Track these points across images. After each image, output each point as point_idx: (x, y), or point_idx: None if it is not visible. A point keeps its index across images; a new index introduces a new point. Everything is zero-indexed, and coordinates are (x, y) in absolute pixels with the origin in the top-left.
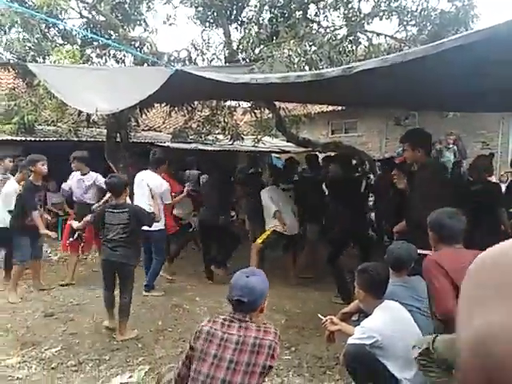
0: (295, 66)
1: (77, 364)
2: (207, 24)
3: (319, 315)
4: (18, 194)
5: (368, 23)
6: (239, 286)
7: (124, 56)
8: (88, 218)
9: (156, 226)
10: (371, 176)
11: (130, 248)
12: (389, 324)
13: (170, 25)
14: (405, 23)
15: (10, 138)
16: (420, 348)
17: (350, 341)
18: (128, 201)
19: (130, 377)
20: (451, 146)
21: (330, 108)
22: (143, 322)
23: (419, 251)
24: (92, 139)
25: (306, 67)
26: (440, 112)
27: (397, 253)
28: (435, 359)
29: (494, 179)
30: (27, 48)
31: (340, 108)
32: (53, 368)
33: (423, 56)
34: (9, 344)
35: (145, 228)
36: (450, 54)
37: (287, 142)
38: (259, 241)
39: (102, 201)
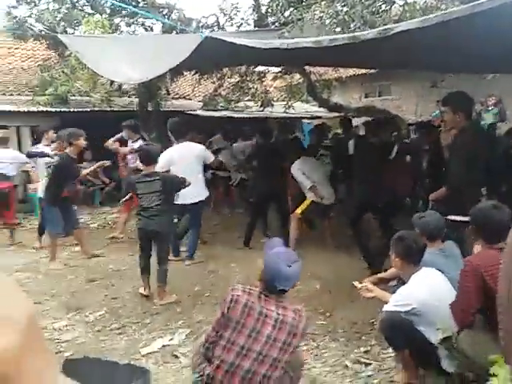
0: (326, 28)
1: (120, 327)
2: None
3: (354, 282)
4: (53, 165)
5: None
6: (282, 276)
7: (152, 24)
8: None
9: (198, 198)
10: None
11: (164, 216)
12: (426, 291)
13: None
14: None
15: (45, 109)
16: (443, 333)
17: (386, 308)
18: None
19: (171, 339)
20: (491, 108)
21: (363, 71)
22: (181, 287)
23: (454, 217)
24: (124, 109)
25: (338, 29)
26: (478, 73)
27: (430, 223)
28: (455, 350)
29: None
30: (58, 18)
31: (373, 71)
32: (97, 331)
33: (463, 16)
34: (55, 308)
35: (187, 201)
36: (489, 14)
37: (319, 107)
38: (299, 211)
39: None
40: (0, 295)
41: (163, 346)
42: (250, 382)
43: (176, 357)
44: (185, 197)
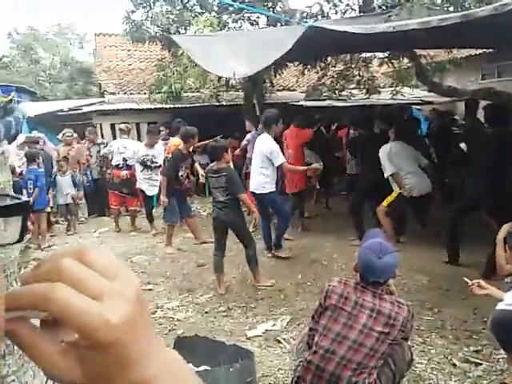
0: (437, 8)
1: (226, 310)
2: None
3: (465, 279)
4: (167, 159)
5: None
6: (373, 268)
7: (258, 18)
8: None
9: (264, 189)
10: None
11: (233, 209)
12: None
13: None
14: None
15: (160, 106)
16: None
17: (499, 306)
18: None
19: (274, 325)
20: None
21: (480, 51)
22: (284, 275)
23: None
24: (231, 103)
25: (451, 8)
26: None
27: None
28: None
29: None
30: (170, 20)
31: (491, 50)
32: (206, 312)
33: None
34: (169, 289)
35: (255, 191)
36: None
37: (429, 92)
38: (385, 203)
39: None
40: (112, 274)
41: (266, 330)
42: (345, 368)
43: (278, 342)
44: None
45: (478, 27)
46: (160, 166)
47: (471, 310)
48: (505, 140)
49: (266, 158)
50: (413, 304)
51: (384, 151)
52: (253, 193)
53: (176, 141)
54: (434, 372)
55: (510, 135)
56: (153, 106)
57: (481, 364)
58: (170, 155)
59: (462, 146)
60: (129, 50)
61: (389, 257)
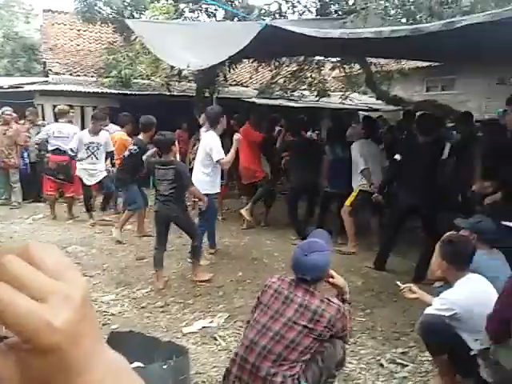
0: (391, 18)
1: (164, 305)
2: None
3: (397, 282)
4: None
5: None
6: (300, 265)
7: (215, 10)
8: None
9: (203, 190)
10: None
11: (177, 203)
12: (470, 297)
13: None
14: None
15: (108, 91)
16: (482, 344)
17: (428, 310)
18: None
19: (211, 322)
20: None
21: (426, 64)
22: (224, 272)
23: (508, 223)
24: (182, 93)
25: (403, 20)
26: None
27: (488, 227)
28: (490, 361)
29: None
30: (125, 3)
31: (437, 63)
32: (142, 307)
33: None
34: (105, 282)
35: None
36: None
37: (377, 99)
38: (347, 203)
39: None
40: (59, 274)
41: (203, 327)
42: (265, 359)
43: (215, 339)
44: None
45: (426, 41)
46: (110, 154)
47: (401, 312)
48: (435, 149)
49: (207, 156)
50: None
51: (357, 147)
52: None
53: (122, 134)
54: (363, 372)
55: (440, 144)
56: (100, 90)
57: (407, 365)
58: (134, 147)
59: (397, 156)
60: (78, 30)
61: (315, 255)
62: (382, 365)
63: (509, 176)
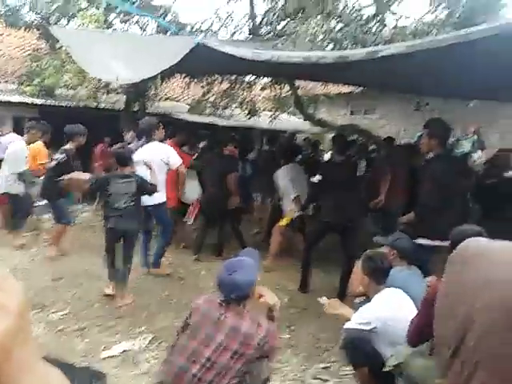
0: (319, 43)
1: (82, 328)
2: None
3: (319, 299)
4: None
5: (397, 4)
6: (223, 284)
7: (147, 23)
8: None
9: (155, 199)
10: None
11: (135, 217)
12: (388, 311)
13: None
14: (435, 6)
15: (29, 100)
16: (396, 360)
17: (348, 325)
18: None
19: (133, 344)
20: (470, 135)
21: (350, 89)
22: (149, 291)
23: (421, 241)
24: (110, 106)
25: (330, 45)
26: (462, 100)
27: (407, 244)
28: (405, 376)
29: None
30: (52, 9)
31: (360, 89)
32: (59, 330)
33: (452, 44)
34: None
35: (145, 203)
36: (479, 43)
37: (304, 120)
38: (283, 223)
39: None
40: None
41: (124, 350)
42: None
43: (137, 361)
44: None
45: (351, 67)
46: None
47: (324, 328)
48: (349, 166)
49: (162, 165)
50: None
51: (284, 173)
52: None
53: (37, 145)
54: None
55: (355, 163)
56: (21, 99)
57: (328, 380)
58: (60, 156)
59: (315, 179)
60: (1, 35)
61: (239, 274)
62: (304, 382)
63: (419, 196)
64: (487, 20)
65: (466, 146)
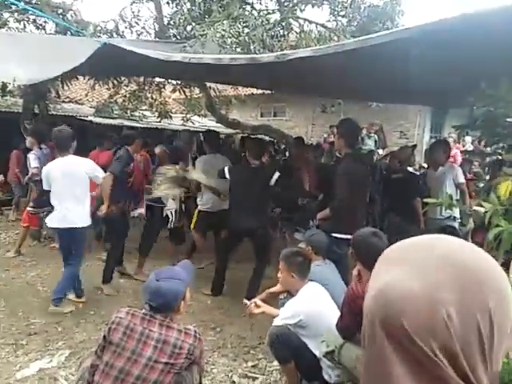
0: (227, 46)
1: None
2: None
3: (244, 300)
4: None
5: (301, 10)
6: (149, 290)
7: (45, 22)
8: None
9: (83, 222)
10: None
11: None
12: (311, 304)
13: None
14: (335, 13)
15: None
16: (327, 347)
17: (275, 322)
18: None
19: (50, 361)
20: (372, 134)
21: (260, 91)
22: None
23: (337, 235)
24: (6, 109)
25: (238, 49)
26: (364, 102)
27: (321, 239)
28: (336, 362)
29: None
30: None
31: (270, 92)
32: None
33: (353, 49)
34: None
35: (78, 225)
36: (378, 49)
37: (217, 122)
38: (192, 226)
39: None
40: None
41: (41, 368)
42: None
43: (55, 379)
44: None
45: (261, 70)
46: None
47: (249, 327)
48: (265, 172)
49: (82, 183)
50: (198, 325)
51: (197, 166)
52: (64, 229)
53: None
54: None
55: (265, 168)
56: None
57: (257, 378)
58: None
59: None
60: None
61: (167, 282)
62: (234, 381)
63: (332, 192)
64: (384, 28)
65: (369, 144)
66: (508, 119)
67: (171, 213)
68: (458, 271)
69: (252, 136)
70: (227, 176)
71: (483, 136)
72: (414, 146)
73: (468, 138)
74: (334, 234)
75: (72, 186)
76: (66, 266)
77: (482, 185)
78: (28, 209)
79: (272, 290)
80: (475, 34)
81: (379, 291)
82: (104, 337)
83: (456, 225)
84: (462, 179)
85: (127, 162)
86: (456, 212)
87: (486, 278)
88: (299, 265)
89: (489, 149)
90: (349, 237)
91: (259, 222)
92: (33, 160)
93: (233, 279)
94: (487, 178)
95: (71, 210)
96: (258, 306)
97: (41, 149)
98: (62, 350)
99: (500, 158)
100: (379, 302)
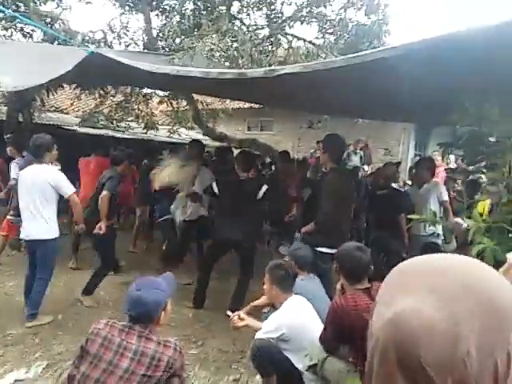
0: (216, 60)
1: None
2: (127, 7)
3: (228, 312)
4: None
5: (289, 26)
6: (129, 299)
7: (33, 31)
8: None
9: (48, 234)
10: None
11: None
12: (294, 317)
13: (86, 3)
14: (324, 30)
15: None
16: (311, 360)
17: (258, 335)
18: None
19: (26, 373)
20: (358, 151)
21: (248, 105)
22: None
23: (321, 249)
24: None
25: (227, 63)
26: (350, 118)
27: (304, 254)
28: (319, 376)
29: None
30: None
31: (257, 106)
32: None
33: (341, 66)
34: None
35: (35, 237)
36: (365, 67)
37: (203, 135)
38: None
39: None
40: None
41: (16, 380)
42: None
43: None
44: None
45: (248, 85)
46: None
47: (231, 341)
48: (254, 185)
49: (51, 193)
50: (179, 339)
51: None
52: (26, 240)
53: None
54: None
55: (257, 182)
56: None
57: None
58: None
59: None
60: None
61: (146, 291)
62: None
63: (317, 207)
64: (371, 46)
65: (355, 160)
66: (491, 138)
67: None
68: (481, 304)
69: (241, 149)
70: (215, 191)
71: (466, 154)
72: (399, 163)
73: (452, 157)
74: (318, 248)
75: (32, 196)
76: (36, 279)
77: (461, 204)
78: (8, 217)
79: (256, 303)
80: (459, 54)
81: (397, 315)
82: (82, 347)
83: (439, 242)
84: (445, 197)
85: (119, 182)
86: (439, 229)
87: (508, 313)
88: (280, 278)
89: (471, 167)
90: (333, 251)
91: (246, 235)
92: (13, 169)
93: (214, 292)
94: (465, 196)
95: (29, 221)
96: (241, 319)
97: (23, 157)
98: (39, 362)
99: (480, 176)
100: (396, 326)
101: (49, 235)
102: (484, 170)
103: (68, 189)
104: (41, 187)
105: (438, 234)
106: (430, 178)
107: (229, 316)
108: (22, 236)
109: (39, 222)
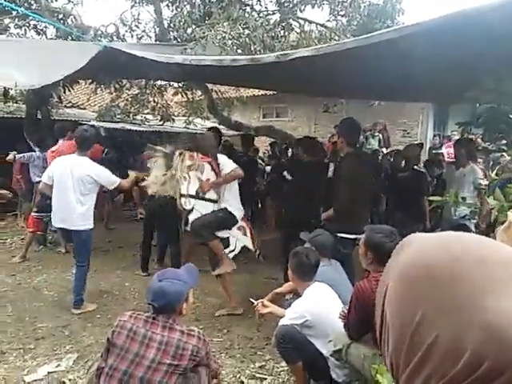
0: (228, 48)
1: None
2: (137, 0)
3: (251, 299)
4: None
5: (300, 10)
6: (152, 290)
7: (46, 28)
8: None
9: (83, 225)
10: None
11: None
12: (317, 304)
13: None
14: (335, 13)
15: None
16: (335, 346)
17: (282, 322)
18: None
19: (58, 365)
20: (377, 134)
21: (262, 92)
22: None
23: (341, 235)
24: (9, 115)
25: (239, 50)
26: (366, 101)
27: (324, 240)
28: (344, 361)
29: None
30: None
31: (271, 92)
32: None
33: (354, 47)
34: None
35: (72, 227)
36: (380, 47)
37: (219, 124)
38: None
39: None
40: None
41: (49, 372)
42: None
43: (64, 383)
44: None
45: (262, 71)
46: None
47: (256, 328)
48: (320, 167)
49: (90, 184)
50: (204, 327)
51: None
52: (65, 229)
53: None
54: None
55: (324, 163)
56: None
57: (265, 378)
58: None
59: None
60: None
61: (167, 283)
62: (242, 382)
63: (335, 194)
64: (384, 26)
65: (373, 144)
66: (511, 116)
67: None
68: None
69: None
70: (288, 177)
71: (486, 133)
72: (421, 144)
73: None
74: (338, 234)
75: (71, 187)
76: (76, 266)
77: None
78: (32, 213)
79: (279, 290)
80: (476, 30)
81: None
82: (108, 340)
83: (471, 225)
84: (481, 181)
85: None
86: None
87: None
88: (297, 265)
89: (491, 145)
90: (353, 236)
91: (316, 215)
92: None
93: (240, 280)
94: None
95: (66, 212)
96: (265, 306)
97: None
98: (70, 354)
99: (502, 154)
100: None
101: (87, 226)
102: (505, 148)
103: (113, 181)
104: (81, 179)
105: (470, 217)
106: (467, 162)
107: (252, 303)
108: (57, 225)
109: (77, 213)
